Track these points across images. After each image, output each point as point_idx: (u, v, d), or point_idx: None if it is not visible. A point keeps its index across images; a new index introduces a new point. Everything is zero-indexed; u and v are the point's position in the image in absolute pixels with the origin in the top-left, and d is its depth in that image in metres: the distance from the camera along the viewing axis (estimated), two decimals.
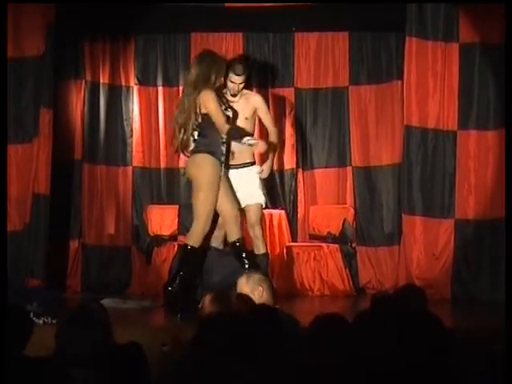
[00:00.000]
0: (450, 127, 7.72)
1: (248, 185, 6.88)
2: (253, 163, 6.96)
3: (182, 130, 6.67)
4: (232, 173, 6.87)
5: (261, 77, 8.41)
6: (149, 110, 8.64)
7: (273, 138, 6.96)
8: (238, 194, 6.87)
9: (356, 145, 8.45)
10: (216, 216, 6.79)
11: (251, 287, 4.71)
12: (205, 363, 3.05)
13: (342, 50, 8.50)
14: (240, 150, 6.84)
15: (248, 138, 6.58)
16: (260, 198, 6.90)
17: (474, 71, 7.69)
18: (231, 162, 6.87)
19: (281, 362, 3.15)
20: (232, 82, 6.77)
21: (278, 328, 3.40)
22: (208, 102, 6.57)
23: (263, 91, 8.20)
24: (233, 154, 6.86)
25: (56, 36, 7.74)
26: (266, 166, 6.91)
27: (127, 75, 8.63)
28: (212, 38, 8.57)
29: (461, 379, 2.83)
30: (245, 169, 6.91)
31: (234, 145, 6.80)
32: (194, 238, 6.69)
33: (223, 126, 6.54)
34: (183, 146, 6.74)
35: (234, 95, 6.83)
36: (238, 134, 6.61)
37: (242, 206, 6.90)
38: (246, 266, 6.64)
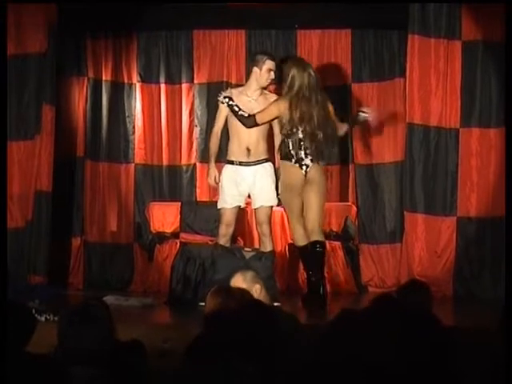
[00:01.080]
0: (453, 125, 7.71)
1: (264, 183, 6.91)
2: (267, 160, 6.99)
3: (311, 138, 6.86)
4: (247, 170, 6.90)
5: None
6: (151, 108, 8.64)
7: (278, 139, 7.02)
8: (254, 192, 6.90)
9: (358, 142, 8.45)
10: (232, 215, 6.89)
11: (249, 285, 4.72)
12: (207, 360, 3.06)
13: (345, 48, 8.49)
14: (256, 146, 6.88)
15: (361, 113, 6.96)
16: (273, 201, 6.95)
17: (477, 69, 7.69)
18: (246, 160, 6.90)
19: (279, 360, 3.15)
20: (271, 69, 6.90)
21: (274, 325, 3.40)
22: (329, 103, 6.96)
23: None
24: (248, 150, 6.89)
25: (58, 33, 7.75)
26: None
27: (129, 72, 8.63)
28: (214, 36, 8.57)
29: (461, 378, 2.83)
30: (259, 166, 6.94)
31: (251, 143, 6.85)
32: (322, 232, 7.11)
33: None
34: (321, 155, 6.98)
35: (264, 87, 6.95)
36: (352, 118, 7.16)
37: (256, 206, 6.94)
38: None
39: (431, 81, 7.70)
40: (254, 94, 6.94)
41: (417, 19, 7.63)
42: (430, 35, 7.65)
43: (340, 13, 8.11)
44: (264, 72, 6.89)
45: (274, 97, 7.04)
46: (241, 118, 6.83)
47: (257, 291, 4.69)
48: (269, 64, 6.89)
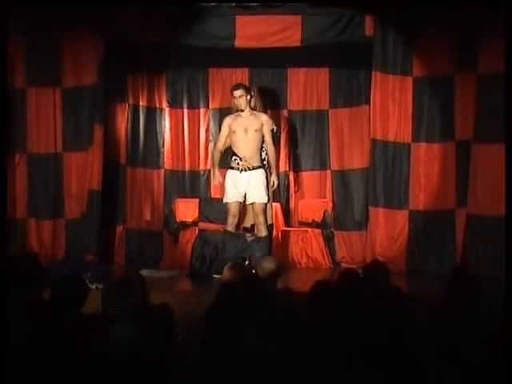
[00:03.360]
0: (406, 140, 7.67)
1: (256, 185, 6.91)
2: (260, 166, 6.97)
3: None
4: (244, 174, 6.89)
5: (262, 101, 8.36)
6: (176, 127, 8.64)
7: (270, 149, 6.97)
8: (249, 191, 6.89)
9: (334, 153, 8.44)
10: (236, 208, 6.91)
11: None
12: (222, 320, 3.02)
13: (324, 82, 8.48)
14: (251, 157, 6.87)
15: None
16: (265, 199, 6.94)
17: (424, 97, 7.64)
18: (244, 167, 6.88)
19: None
20: (233, 97, 6.90)
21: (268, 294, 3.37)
22: None
23: (264, 112, 8.16)
24: (245, 159, 6.89)
25: (106, 69, 7.72)
26: (274, 177, 6.95)
27: (160, 100, 8.62)
28: (225, 72, 8.57)
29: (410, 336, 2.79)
30: (253, 171, 6.93)
31: (247, 154, 6.82)
32: None
33: None
34: None
35: (242, 110, 6.86)
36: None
37: (250, 201, 6.93)
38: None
39: (389, 107, 7.66)
40: (245, 115, 6.93)
41: (379, 60, 7.59)
42: (389, 72, 7.61)
43: (321, 55, 8.07)
44: (234, 100, 6.91)
45: (262, 115, 7.07)
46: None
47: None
48: (233, 94, 6.93)
